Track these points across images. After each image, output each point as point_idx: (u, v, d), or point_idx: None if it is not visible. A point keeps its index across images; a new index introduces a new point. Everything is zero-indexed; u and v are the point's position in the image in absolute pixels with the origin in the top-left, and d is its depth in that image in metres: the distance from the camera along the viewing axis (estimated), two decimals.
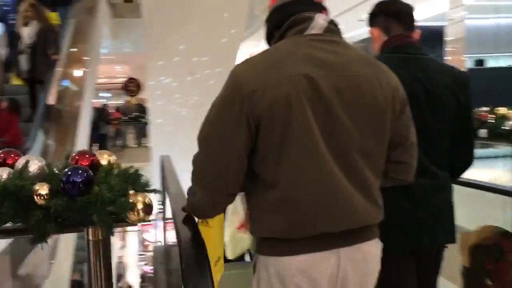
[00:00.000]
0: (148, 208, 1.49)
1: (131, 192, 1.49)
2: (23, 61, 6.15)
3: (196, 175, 1.35)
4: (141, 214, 1.47)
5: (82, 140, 6.58)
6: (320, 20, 1.30)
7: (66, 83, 6.60)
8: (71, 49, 7.37)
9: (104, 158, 1.60)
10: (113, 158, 1.63)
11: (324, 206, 1.20)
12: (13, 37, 6.36)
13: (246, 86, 1.19)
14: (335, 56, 1.24)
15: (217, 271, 1.82)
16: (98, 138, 14.22)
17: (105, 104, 18.36)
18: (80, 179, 1.37)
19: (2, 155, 1.52)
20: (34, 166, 1.45)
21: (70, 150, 5.88)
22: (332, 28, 1.32)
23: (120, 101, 20.95)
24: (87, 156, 1.50)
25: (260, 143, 1.22)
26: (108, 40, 13.33)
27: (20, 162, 1.45)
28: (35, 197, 1.35)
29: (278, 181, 1.21)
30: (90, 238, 1.50)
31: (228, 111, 1.22)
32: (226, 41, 8.79)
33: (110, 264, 1.54)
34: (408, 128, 1.38)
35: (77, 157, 1.48)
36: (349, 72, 1.24)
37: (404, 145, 1.37)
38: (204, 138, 1.29)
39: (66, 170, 1.38)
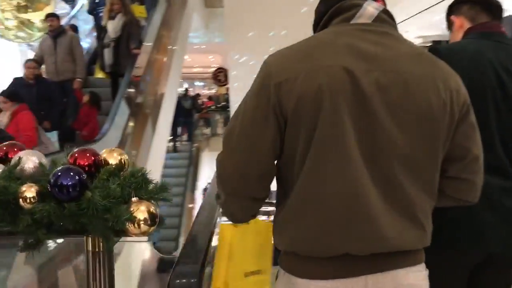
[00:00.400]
0: (152, 219, 1.27)
1: (134, 199, 1.28)
2: (107, 55, 6.10)
3: (218, 176, 1.21)
4: (142, 226, 1.25)
5: (163, 130, 6.65)
6: (369, 8, 1.15)
7: (148, 77, 6.65)
8: (158, 39, 7.47)
9: (114, 157, 1.40)
10: (125, 157, 1.43)
11: (346, 222, 1.06)
12: (100, 30, 6.53)
13: (275, 76, 1.07)
14: (382, 49, 1.09)
15: (250, 285, 1.55)
16: (190, 125, 14.65)
17: (198, 94, 18.89)
18: (69, 182, 1.18)
19: (4, 149, 1.38)
20: (30, 163, 1.29)
21: (148, 141, 5.95)
22: (384, 17, 1.16)
23: (213, 90, 21.48)
24: (87, 154, 1.30)
25: (286, 143, 1.09)
26: (201, 30, 13.53)
27: (15, 159, 1.29)
28: (20, 200, 1.19)
29: (299, 187, 1.08)
30: (89, 248, 1.32)
31: (255, 104, 1.09)
32: (306, 10, 8.14)
33: (112, 279, 1.35)
34: (470, 138, 1.17)
35: (76, 155, 1.29)
36: (398, 68, 1.08)
37: (465, 159, 1.17)
38: (228, 133, 1.15)
39: (56, 170, 1.20)
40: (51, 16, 6.22)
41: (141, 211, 1.26)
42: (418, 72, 1.09)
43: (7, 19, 9.19)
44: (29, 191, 1.19)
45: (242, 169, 1.11)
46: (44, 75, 5.85)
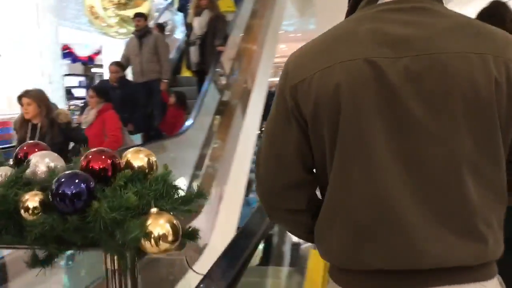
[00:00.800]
0: (174, 235, 1.06)
1: (153, 210, 1.07)
2: (193, 53, 6.01)
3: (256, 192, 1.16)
4: (161, 243, 1.04)
5: (253, 120, 6.50)
6: None
7: (236, 68, 6.50)
8: (248, 29, 7.33)
9: (139, 159, 1.20)
10: (153, 159, 1.23)
11: (375, 235, 0.95)
12: (188, 28, 6.45)
13: (291, 77, 0.99)
14: (414, 28, 0.95)
15: None
16: None
17: None
18: (73, 191, 1.00)
19: (25, 149, 1.24)
20: (43, 167, 1.13)
21: (236, 132, 5.83)
22: None
23: None
24: (103, 156, 1.11)
25: (314, 149, 1.00)
26: (296, 18, 13.24)
27: (31, 161, 1.14)
28: (22, 210, 1.03)
29: (328, 196, 1.01)
30: (108, 266, 1.14)
31: (276, 110, 1.03)
32: None
33: None
34: None
35: (90, 157, 1.11)
36: (432, 48, 0.92)
37: None
38: (260, 145, 1.10)
39: (59, 177, 1.02)
40: (138, 16, 6.13)
41: (159, 226, 1.05)
42: (459, 49, 0.92)
43: (109, 16, 9.68)
44: (32, 201, 1.03)
45: (271, 180, 1.05)
46: (130, 76, 5.86)
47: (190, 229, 1.20)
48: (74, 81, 14.67)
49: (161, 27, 7.35)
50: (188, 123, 5.17)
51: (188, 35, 6.23)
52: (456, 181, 0.92)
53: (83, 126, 4.15)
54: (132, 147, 4.60)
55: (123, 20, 9.38)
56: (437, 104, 0.91)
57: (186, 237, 1.20)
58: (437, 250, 0.93)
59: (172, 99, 5.79)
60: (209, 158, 5.18)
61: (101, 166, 1.10)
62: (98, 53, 15.44)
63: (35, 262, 1.09)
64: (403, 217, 0.92)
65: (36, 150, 1.24)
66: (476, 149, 0.92)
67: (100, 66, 14.84)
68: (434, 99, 0.91)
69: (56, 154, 1.19)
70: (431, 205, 0.92)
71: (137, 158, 1.20)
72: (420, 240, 0.92)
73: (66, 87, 11.26)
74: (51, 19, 7.94)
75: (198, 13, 6.08)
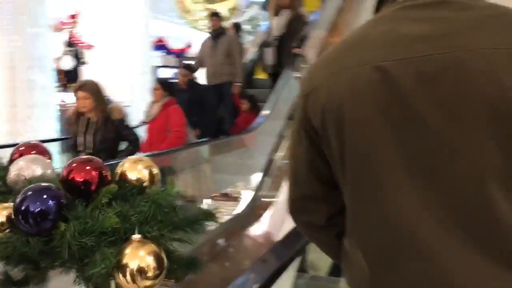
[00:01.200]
0: (157, 268, 0.86)
1: (135, 237, 0.89)
2: (269, 55, 5.59)
3: None
4: (139, 280, 0.85)
5: None
6: None
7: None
8: (334, 26, 7.01)
9: (137, 170, 1.03)
10: (154, 171, 1.04)
11: (392, 264, 0.84)
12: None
13: (304, 87, 0.93)
14: (432, 25, 0.83)
15: None
16: None
17: None
18: (37, 209, 0.84)
19: (21, 149, 1.12)
20: (28, 173, 0.99)
21: None
22: None
23: None
24: (88, 167, 0.94)
25: (331, 163, 0.91)
26: None
27: (13, 166, 1.01)
28: None
29: (346, 218, 0.94)
30: None
31: (294, 121, 0.98)
32: None
33: None
34: None
35: (73, 165, 0.94)
36: (451, 46, 0.79)
37: None
38: None
39: (25, 190, 0.87)
40: (213, 16, 5.84)
41: (138, 257, 0.86)
42: (482, 45, 0.79)
43: (198, 10, 9.81)
44: None
45: (290, 192, 1.02)
46: (203, 78, 5.71)
47: (190, 259, 1.01)
48: (168, 72, 15.20)
49: (237, 27, 7.08)
50: (259, 119, 4.97)
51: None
52: (484, 201, 0.80)
53: (146, 120, 4.09)
54: (193, 144, 4.50)
55: None
56: (455, 111, 0.79)
57: (185, 268, 1.01)
58: (466, 281, 0.82)
59: (245, 106, 5.55)
60: (282, 155, 4.99)
61: (84, 179, 0.93)
62: (189, 46, 15.84)
63: (5, 283, 0.94)
64: (422, 243, 0.82)
65: (33, 152, 1.11)
66: (507, 162, 0.80)
67: (192, 58, 15.22)
68: (451, 106, 0.79)
69: (46, 160, 1.04)
70: (457, 230, 0.81)
71: (135, 169, 1.03)
72: (445, 270, 0.82)
73: (159, 78, 11.65)
74: (145, 12, 8.15)
75: (277, 13, 5.70)
